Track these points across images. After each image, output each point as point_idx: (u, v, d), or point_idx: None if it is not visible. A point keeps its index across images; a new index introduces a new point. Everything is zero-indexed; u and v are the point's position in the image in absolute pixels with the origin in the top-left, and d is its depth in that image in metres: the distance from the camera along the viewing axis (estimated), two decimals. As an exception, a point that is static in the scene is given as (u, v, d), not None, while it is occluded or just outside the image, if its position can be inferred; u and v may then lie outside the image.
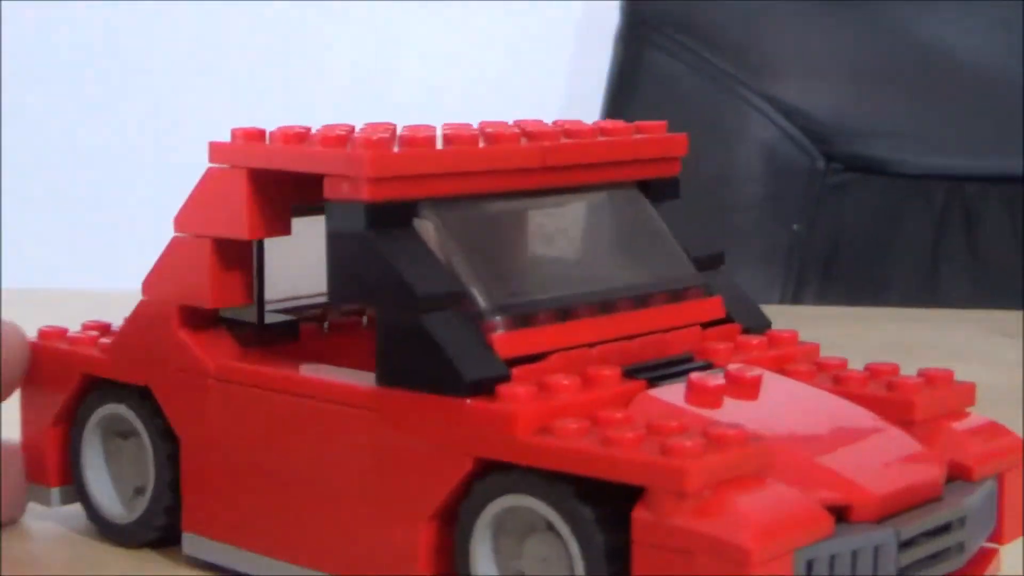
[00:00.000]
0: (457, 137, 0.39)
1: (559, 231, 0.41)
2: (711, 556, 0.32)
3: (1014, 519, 0.39)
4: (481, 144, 0.40)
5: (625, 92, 1.10)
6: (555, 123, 0.43)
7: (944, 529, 0.36)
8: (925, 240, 1.05)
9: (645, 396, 0.37)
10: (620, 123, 0.44)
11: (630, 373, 0.38)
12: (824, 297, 1.06)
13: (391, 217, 0.38)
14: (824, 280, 1.07)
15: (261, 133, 0.40)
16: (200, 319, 0.42)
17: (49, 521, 0.46)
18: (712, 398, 0.37)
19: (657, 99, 1.08)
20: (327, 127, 0.39)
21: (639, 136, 0.43)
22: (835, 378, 0.40)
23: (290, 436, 0.39)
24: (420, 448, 0.37)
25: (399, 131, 0.40)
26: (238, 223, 0.40)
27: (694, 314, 0.42)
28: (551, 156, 0.40)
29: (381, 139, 0.38)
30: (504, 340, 0.37)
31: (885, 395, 0.39)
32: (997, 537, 0.39)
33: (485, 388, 0.36)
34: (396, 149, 0.38)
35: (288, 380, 0.39)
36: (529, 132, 0.41)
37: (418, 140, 0.38)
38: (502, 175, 0.40)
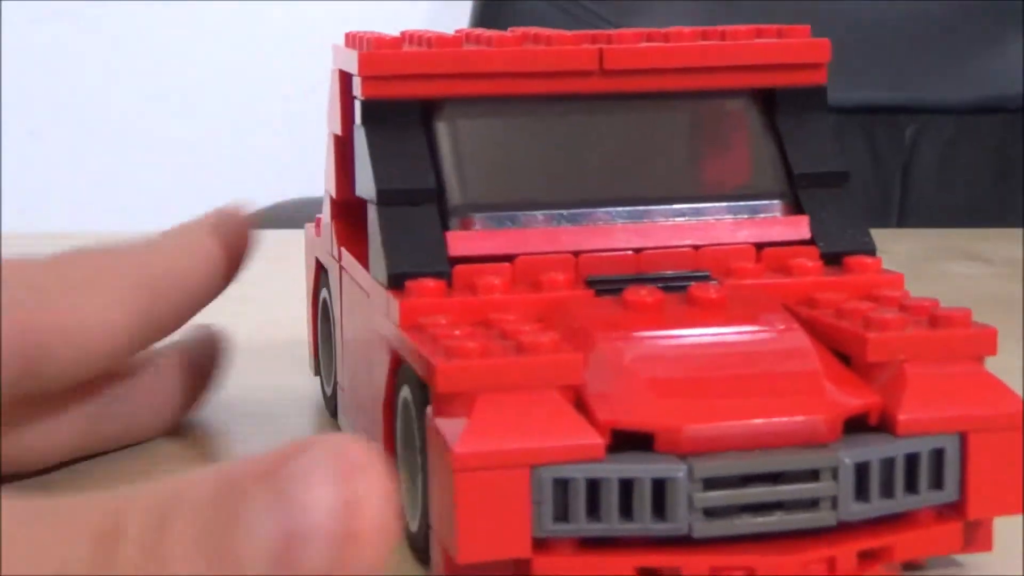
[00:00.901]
0: (496, 39, 0.40)
1: (600, 140, 0.41)
2: (441, 456, 0.33)
3: (984, 491, 0.34)
4: (529, 46, 0.40)
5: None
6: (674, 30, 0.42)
7: (795, 477, 0.33)
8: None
9: (574, 302, 0.37)
10: (751, 27, 0.42)
11: (591, 283, 0.38)
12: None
13: (391, 115, 0.40)
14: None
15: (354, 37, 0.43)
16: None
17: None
18: (629, 314, 0.36)
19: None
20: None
21: (738, 42, 0.41)
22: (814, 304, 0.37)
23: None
24: (378, 340, 0.39)
25: (455, 32, 0.41)
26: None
27: (757, 232, 0.40)
28: (609, 60, 0.40)
29: (394, 39, 0.40)
30: (459, 239, 0.38)
31: (847, 330, 0.35)
32: (961, 509, 0.34)
33: (400, 282, 0.37)
34: (417, 48, 0.40)
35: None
36: (600, 36, 0.41)
37: (447, 40, 0.40)
38: (551, 79, 0.40)
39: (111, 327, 0.39)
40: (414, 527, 0.36)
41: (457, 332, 0.34)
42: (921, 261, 0.72)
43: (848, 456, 0.33)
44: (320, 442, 0.26)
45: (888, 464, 0.33)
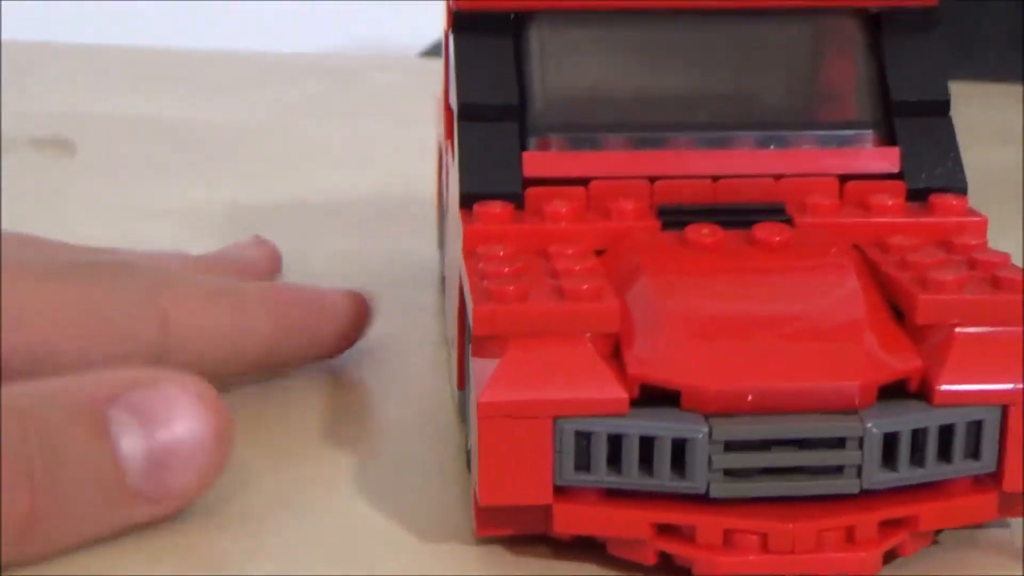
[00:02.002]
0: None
1: (692, 60, 0.40)
2: (472, 398, 0.34)
3: (1019, 463, 0.34)
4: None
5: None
6: None
7: (819, 443, 0.33)
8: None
9: (637, 235, 0.37)
10: None
11: (662, 212, 0.38)
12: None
13: (481, 25, 0.40)
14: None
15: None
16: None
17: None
18: (687, 252, 0.36)
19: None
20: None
21: None
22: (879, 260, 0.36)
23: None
24: (456, 255, 0.39)
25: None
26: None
27: (843, 163, 0.39)
28: (705, -24, 0.39)
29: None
30: (536, 160, 0.38)
31: (903, 285, 0.35)
32: (998, 479, 0.34)
33: (471, 202, 0.38)
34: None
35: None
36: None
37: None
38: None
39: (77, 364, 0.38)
40: (467, 445, 0.37)
41: (506, 269, 0.35)
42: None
43: (876, 425, 0.33)
44: (170, 379, 0.34)
45: (920, 434, 0.33)
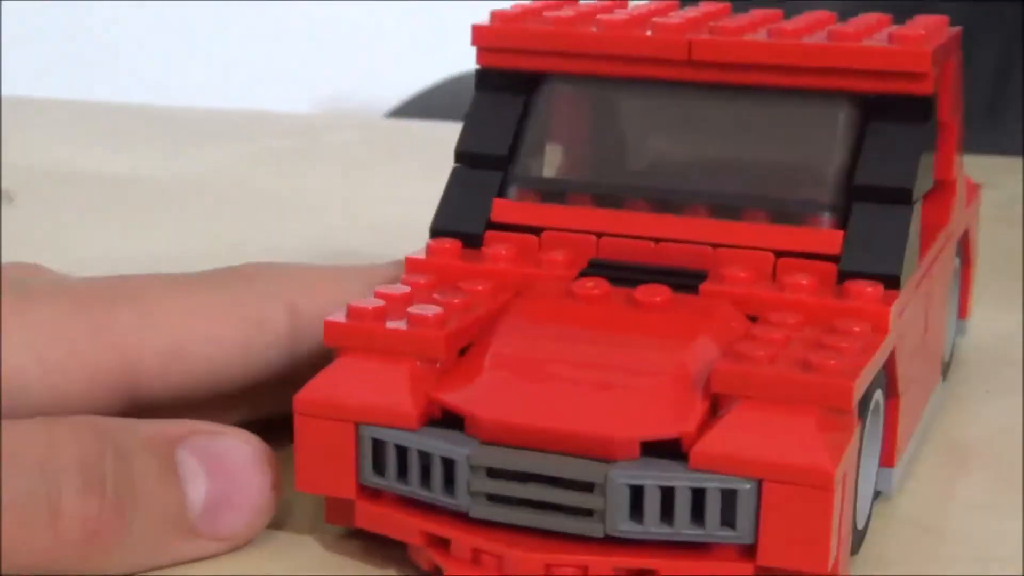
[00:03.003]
0: (607, 22, 0.43)
1: (676, 128, 0.42)
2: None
3: (779, 540, 0.34)
4: (632, 30, 0.43)
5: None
6: (795, 20, 0.42)
7: (571, 484, 0.35)
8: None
9: (535, 283, 0.40)
10: (874, 19, 0.41)
11: (591, 265, 0.40)
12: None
13: (500, 83, 0.44)
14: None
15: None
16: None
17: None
18: (564, 303, 0.39)
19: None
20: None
21: (832, 42, 0.40)
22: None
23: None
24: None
25: (580, 9, 0.44)
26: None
27: (785, 240, 0.40)
28: (697, 51, 0.42)
29: (520, 13, 0.44)
30: (503, 207, 0.42)
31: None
32: (754, 551, 0.34)
33: (437, 235, 0.42)
34: (530, 24, 0.43)
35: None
36: (697, 22, 0.42)
37: (563, 19, 0.43)
38: (643, 64, 0.42)
39: (214, 355, 0.40)
40: None
41: (398, 293, 0.39)
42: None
43: (619, 475, 0.34)
44: (233, 433, 0.37)
45: (672, 493, 0.34)
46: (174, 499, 0.36)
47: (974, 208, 0.50)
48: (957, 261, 0.49)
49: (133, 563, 0.36)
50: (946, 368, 0.49)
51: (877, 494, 0.40)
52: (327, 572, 0.37)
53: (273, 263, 0.44)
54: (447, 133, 0.46)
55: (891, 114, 0.40)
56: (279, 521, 0.39)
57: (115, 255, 0.60)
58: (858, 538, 0.37)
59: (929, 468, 0.43)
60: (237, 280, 0.42)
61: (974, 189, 0.50)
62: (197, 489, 0.37)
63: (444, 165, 0.43)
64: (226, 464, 0.37)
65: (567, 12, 0.43)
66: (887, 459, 0.40)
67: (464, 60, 0.48)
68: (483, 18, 0.44)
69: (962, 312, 0.51)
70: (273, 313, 0.41)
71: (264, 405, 0.42)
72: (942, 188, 0.45)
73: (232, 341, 0.40)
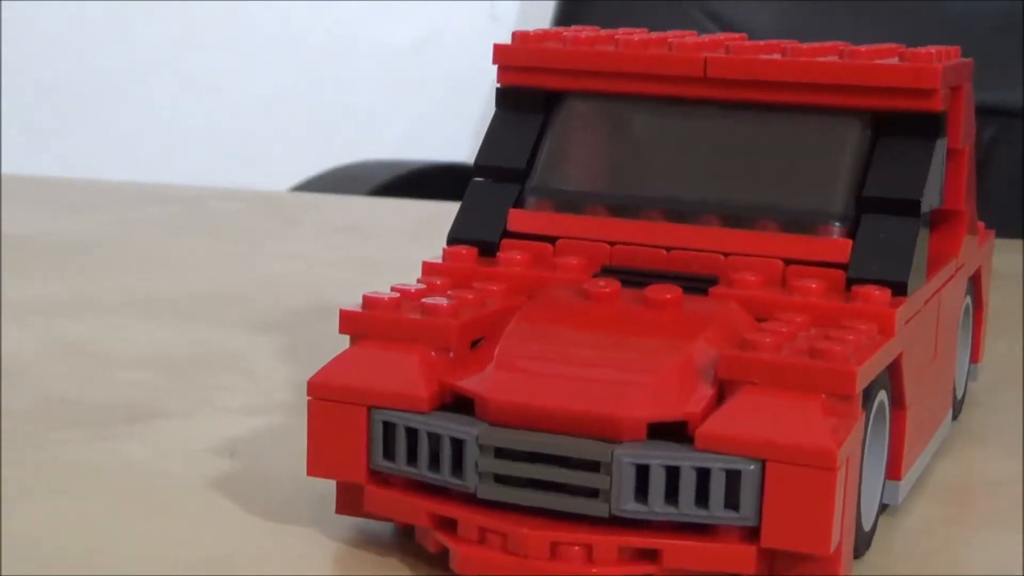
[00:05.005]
0: (624, 41, 0.44)
1: (692, 144, 0.42)
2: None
3: (782, 521, 0.34)
4: (649, 50, 0.44)
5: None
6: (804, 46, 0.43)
7: (578, 464, 0.35)
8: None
9: (551, 284, 0.41)
10: (885, 46, 0.42)
11: (604, 271, 0.41)
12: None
13: (520, 101, 0.45)
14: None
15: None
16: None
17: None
18: (577, 301, 0.39)
19: (606, 11, 1.11)
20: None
21: (845, 60, 0.41)
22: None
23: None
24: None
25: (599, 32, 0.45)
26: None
27: (795, 249, 0.40)
28: (713, 69, 0.43)
29: (540, 35, 0.45)
30: (519, 217, 0.43)
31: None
32: (757, 533, 0.35)
33: (454, 243, 0.43)
34: (551, 45, 0.45)
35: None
36: (711, 44, 0.43)
37: (582, 39, 0.44)
38: (660, 81, 0.43)
39: None
40: None
41: (413, 290, 0.39)
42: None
43: (625, 454, 0.34)
44: None
45: (677, 474, 0.34)
46: None
47: (987, 251, 0.51)
48: (968, 299, 0.49)
49: None
50: (958, 406, 0.49)
51: (884, 507, 0.40)
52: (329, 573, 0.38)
53: None
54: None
55: (901, 129, 0.41)
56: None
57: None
58: (864, 540, 0.37)
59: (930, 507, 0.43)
60: None
61: (987, 234, 0.51)
62: None
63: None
64: None
65: (586, 33, 0.44)
66: (894, 471, 0.40)
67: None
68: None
69: (975, 356, 0.51)
70: None
71: None
72: (953, 217, 0.46)
73: None
